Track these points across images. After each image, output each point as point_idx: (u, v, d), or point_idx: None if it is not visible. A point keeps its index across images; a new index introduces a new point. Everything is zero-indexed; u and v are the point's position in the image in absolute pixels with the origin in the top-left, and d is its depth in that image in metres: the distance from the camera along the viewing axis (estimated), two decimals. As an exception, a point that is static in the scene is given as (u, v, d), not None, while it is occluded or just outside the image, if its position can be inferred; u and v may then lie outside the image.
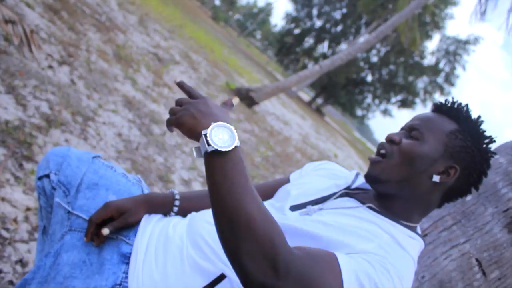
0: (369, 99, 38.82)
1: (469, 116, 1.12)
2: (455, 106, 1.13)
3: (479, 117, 1.12)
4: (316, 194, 1.21)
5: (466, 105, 1.13)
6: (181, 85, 1.00)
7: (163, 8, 14.15)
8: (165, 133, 4.43)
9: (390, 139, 1.14)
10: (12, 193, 2.17)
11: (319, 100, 40.65)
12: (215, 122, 0.89)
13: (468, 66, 34.53)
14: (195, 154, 0.90)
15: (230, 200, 0.83)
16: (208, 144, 0.85)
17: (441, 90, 34.29)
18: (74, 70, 4.09)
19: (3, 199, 2.09)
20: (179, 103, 0.96)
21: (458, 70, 33.77)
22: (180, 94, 6.22)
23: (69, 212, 1.22)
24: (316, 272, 0.87)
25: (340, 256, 0.93)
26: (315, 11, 36.75)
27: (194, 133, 0.90)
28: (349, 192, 1.21)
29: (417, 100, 35.80)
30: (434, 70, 33.31)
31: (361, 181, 1.28)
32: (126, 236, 1.19)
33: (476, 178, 1.12)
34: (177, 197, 1.31)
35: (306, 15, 37.49)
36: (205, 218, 1.19)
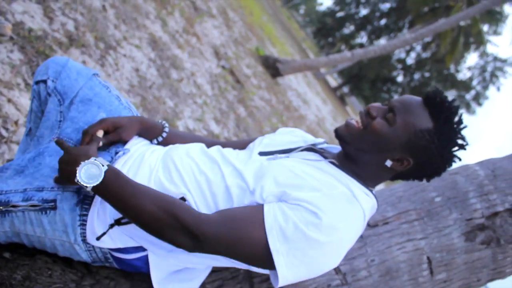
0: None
1: (450, 118, 1.13)
2: (442, 103, 1.14)
3: (461, 120, 1.14)
4: (284, 146, 1.32)
5: (455, 106, 1.15)
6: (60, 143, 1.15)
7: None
8: (182, 79, 4.48)
9: (368, 111, 1.19)
10: (19, 97, 2.25)
11: (345, 89, 40.28)
12: (77, 166, 1.06)
13: (502, 89, 33.69)
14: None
15: (130, 211, 1.05)
16: (86, 186, 1.05)
17: (468, 107, 33.69)
18: (108, -3, 4.13)
19: (9, 100, 2.17)
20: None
21: (490, 91, 32.97)
22: (207, 47, 6.24)
23: (60, 120, 1.29)
24: (234, 229, 1.03)
25: (267, 207, 1.06)
26: (365, -2, 35.95)
27: (74, 183, 1.09)
28: (314, 148, 1.29)
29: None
30: (466, 86, 32.66)
31: (325, 146, 1.37)
32: (112, 150, 1.28)
33: (429, 174, 1.19)
34: (166, 129, 1.42)
35: (355, 0, 36.72)
36: (183, 149, 1.27)
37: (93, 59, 3.12)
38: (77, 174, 1.05)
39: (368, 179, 1.22)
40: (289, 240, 1.01)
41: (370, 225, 1.36)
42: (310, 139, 1.38)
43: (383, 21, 35.15)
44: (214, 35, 7.25)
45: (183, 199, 1.15)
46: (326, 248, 1.01)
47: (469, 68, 33.31)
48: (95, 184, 1.04)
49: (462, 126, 1.14)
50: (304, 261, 1.01)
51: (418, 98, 1.18)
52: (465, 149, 1.15)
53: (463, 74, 33.66)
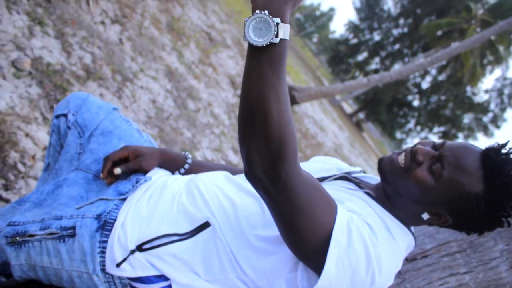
0: (411, 124, 38.08)
1: (507, 185, 0.97)
2: (502, 167, 0.98)
3: None
4: (316, 173, 1.24)
5: None
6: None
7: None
8: (199, 110, 4.45)
9: (415, 155, 1.07)
10: (37, 131, 2.22)
11: (361, 115, 40.18)
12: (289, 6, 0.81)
13: (520, 112, 33.52)
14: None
15: (256, 92, 0.81)
16: (276, 35, 0.78)
17: (485, 130, 33.30)
18: (125, 30, 4.15)
19: (27, 135, 2.14)
20: None
21: (508, 113, 32.66)
22: (223, 77, 6.25)
23: (79, 153, 1.25)
24: (312, 199, 0.90)
25: (340, 207, 0.96)
26: (375, 24, 36.13)
27: (267, 9, 0.79)
28: (348, 177, 1.21)
29: (460, 135, 34.90)
30: (483, 108, 32.36)
31: (361, 176, 1.28)
32: (132, 179, 1.23)
33: (468, 232, 1.08)
34: (189, 160, 1.37)
35: (367, 27, 36.93)
36: (206, 176, 1.23)
37: (110, 92, 3.11)
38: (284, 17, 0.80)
39: (404, 220, 1.12)
40: (351, 243, 0.92)
41: (408, 259, 1.26)
42: (344, 167, 1.30)
43: (396, 46, 35.24)
44: (230, 65, 7.27)
45: (207, 223, 1.09)
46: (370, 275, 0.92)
47: (486, 91, 33.08)
48: (282, 37, 0.79)
49: None
50: (351, 272, 0.92)
51: (476, 153, 1.02)
52: None
53: (480, 97, 33.43)
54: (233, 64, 7.55)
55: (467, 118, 34.19)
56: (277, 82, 0.80)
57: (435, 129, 36.32)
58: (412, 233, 1.12)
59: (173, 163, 1.35)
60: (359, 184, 1.19)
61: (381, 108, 34.15)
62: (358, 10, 37.00)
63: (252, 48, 0.80)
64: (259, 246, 1.05)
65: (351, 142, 18.28)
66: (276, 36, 0.77)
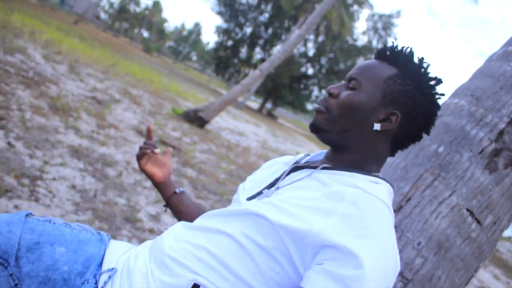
0: (315, 92, 39.32)
1: (410, 59, 1.06)
2: (396, 50, 1.08)
3: (422, 59, 1.06)
4: (268, 180, 1.17)
5: (409, 48, 1.07)
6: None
7: (91, 51, 13.86)
8: (121, 173, 4.24)
9: (329, 92, 1.09)
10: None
11: (268, 105, 40.86)
12: None
13: (399, 37, 35.95)
14: None
15: None
16: None
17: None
18: (10, 132, 3.87)
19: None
20: None
21: (390, 42, 35.10)
22: (128, 132, 6.04)
23: (15, 284, 1.06)
24: None
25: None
26: (242, 19, 36.89)
27: None
28: (299, 166, 1.15)
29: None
30: (368, 48, 34.24)
31: (315, 156, 1.23)
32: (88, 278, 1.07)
33: (423, 122, 1.07)
34: (178, 191, 1.48)
35: (236, 25, 37.54)
36: (166, 239, 1.10)
37: (24, 199, 2.85)
38: None
39: (369, 164, 1.08)
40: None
41: (396, 211, 1.22)
42: (290, 160, 1.24)
43: (269, 30, 36.23)
44: (129, 117, 7.06)
45: (196, 286, 0.97)
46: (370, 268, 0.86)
47: (364, 33, 35.06)
48: None
49: (425, 64, 1.06)
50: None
51: (371, 59, 1.12)
52: (442, 82, 1.06)
53: (362, 40, 35.36)
54: (131, 115, 7.33)
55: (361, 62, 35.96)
56: None
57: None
58: (384, 179, 1.07)
59: (169, 187, 1.48)
60: (310, 166, 1.13)
61: (283, 91, 34.86)
62: (221, 14, 37.51)
63: None
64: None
65: (272, 133, 18.52)
66: None
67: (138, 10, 62.80)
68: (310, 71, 37.69)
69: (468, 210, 1.20)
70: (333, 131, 1.07)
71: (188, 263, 1.00)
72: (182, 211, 1.44)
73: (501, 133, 1.25)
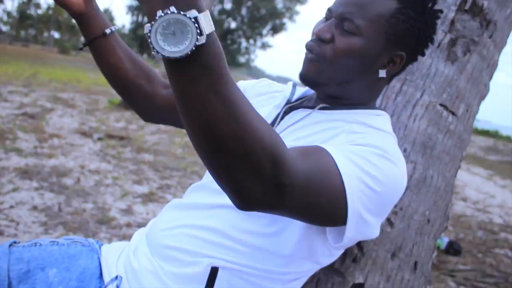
0: (244, 43, 39.04)
1: None
2: None
3: None
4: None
5: None
6: None
7: (5, 68, 13.12)
8: (79, 179, 4.08)
9: (319, 38, 0.91)
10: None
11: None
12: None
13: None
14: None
15: (211, 116, 0.58)
16: (200, 32, 0.54)
17: (299, 1, 35.28)
18: None
19: None
20: None
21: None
22: (73, 136, 5.80)
23: None
24: (320, 173, 0.73)
25: (328, 147, 0.78)
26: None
27: (172, 3, 0.54)
28: (292, 106, 1.03)
29: (285, 20, 36.57)
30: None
31: (300, 91, 1.10)
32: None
33: (422, 51, 0.97)
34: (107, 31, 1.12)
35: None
36: (158, 228, 1.01)
37: (-13, 235, 2.69)
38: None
39: (366, 101, 1.00)
40: (359, 166, 0.78)
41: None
42: (278, 96, 1.08)
43: None
44: (67, 121, 6.77)
45: (214, 269, 0.90)
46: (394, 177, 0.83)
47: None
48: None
49: None
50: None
51: None
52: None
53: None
54: (69, 119, 7.03)
55: (280, 3, 35.81)
56: (226, 87, 0.59)
57: (264, 31, 37.60)
58: (382, 109, 1.02)
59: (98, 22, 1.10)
60: (304, 105, 1.03)
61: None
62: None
63: (173, 64, 0.57)
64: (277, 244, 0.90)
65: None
66: (201, 34, 0.54)
67: (40, 12, 59.35)
68: (233, 25, 37.24)
69: (441, 105, 1.19)
70: (332, 83, 0.94)
71: (197, 248, 0.92)
72: (109, 62, 1.14)
73: (452, 22, 1.23)
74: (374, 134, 0.89)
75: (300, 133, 0.94)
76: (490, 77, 1.33)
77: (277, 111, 1.04)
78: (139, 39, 38.81)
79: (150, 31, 0.55)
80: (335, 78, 0.93)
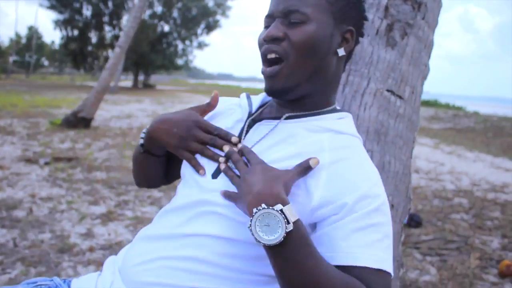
0: (180, 45, 38.63)
1: None
2: None
3: None
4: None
5: None
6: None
7: None
8: (31, 209, 3.91)
9: (272, 37, 0.91)
10: None
11: (141, 77, 39.63)
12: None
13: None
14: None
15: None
16: (288, 221, 0.75)
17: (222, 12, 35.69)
18: None
19: None
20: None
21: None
22: (15, 165, 5.56)
23: None
24: None
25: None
26: (77, 3, 34.25)
27: (263, 202, 0.77)
28: (254, 118, 1.01)
29: (218, 17, 36.52)
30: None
31: (257, 99, 1.07)
32: None
33: (362, 24, 1.01)
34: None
35: (73, 12, 34.69)
36: (132, 262, 0.95)
37: None
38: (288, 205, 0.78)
39: (329, 96, 1.00)
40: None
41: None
42: (237, 111, 1.06)
43: (109, 3, 34.37)
44: (8, 151, 6.47)
45: None
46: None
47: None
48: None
49: None
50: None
51: None
52: None
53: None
54: (9, 147, 6.73)
55: (210, 2, 35.84)
56: (315, 261, 0.77)
57: (199, 31, 37.41)
58: (343, 110, 1.02)
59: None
60: (264, 116, 1.00)
61: (149, 57, 33.70)
62: (53, 7, 34.19)
63: (272, 249, 0.76)
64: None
65: (158, 102, 18.22)
66: (288, 222, 0.74)
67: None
68: (167, 28, 36.75)
69: (388, 90, 1.22)
70: (301, 82, 0.93)
71: (180, 281, 0.87)
72: (146, 173, 1.19)
73: (386, 8, 1.26)
74: (343, 146, 0.92)
75: (274, 153, 0.91)
76: (429, 57, 1.37)
77: (240, 125, 1.01)
78: (71, 54, 37.42)
79: (250, 224, 0.75)
80: (303, 74, 0.93)
